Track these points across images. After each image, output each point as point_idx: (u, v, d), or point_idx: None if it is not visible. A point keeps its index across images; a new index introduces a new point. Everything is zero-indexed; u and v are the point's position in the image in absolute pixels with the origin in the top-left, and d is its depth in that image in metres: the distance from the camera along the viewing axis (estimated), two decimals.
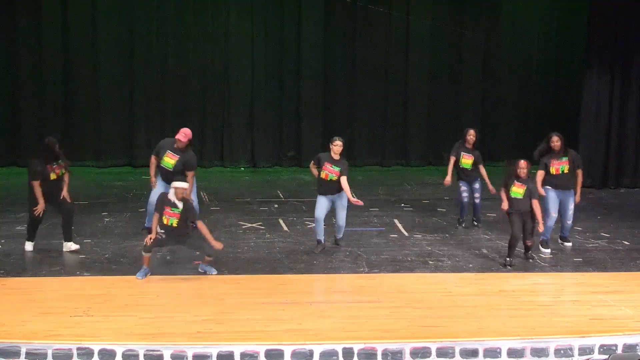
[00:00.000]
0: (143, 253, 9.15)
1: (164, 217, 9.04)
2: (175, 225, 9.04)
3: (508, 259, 9.82)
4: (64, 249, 10.15)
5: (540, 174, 10.41)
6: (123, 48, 15.93)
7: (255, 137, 16.41)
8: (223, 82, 16.27)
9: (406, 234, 11.26)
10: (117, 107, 16.03)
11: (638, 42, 14.34)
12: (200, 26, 16.06)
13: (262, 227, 11.48)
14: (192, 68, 16.17)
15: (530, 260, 9.91)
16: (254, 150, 16.44)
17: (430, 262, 9.90)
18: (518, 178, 9.79)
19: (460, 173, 11.42)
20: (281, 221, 11.79)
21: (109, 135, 16.02)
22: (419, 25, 16.20)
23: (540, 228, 9.82)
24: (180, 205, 9.04)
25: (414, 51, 16.47)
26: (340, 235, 10.54)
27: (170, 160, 10.30)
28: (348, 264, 9.82)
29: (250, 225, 11.61)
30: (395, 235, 11.16)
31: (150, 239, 9.01)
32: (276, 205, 12.93)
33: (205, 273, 9.38)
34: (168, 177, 10.03)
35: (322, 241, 10.27)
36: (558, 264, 9.91)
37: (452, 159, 11.38)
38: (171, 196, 9.07)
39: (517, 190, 9.77)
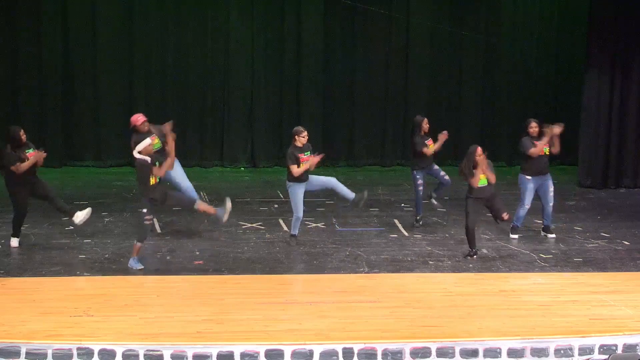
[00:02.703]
0: (137, 243, 9.34)
1: (152, 178, 9.28)
2: (158, 180, 9.38)
3: (471, 249, 9.98)
4: (71, 219, 10.25)
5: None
6: (123, 48, 15.93)
7: (255, 137, 16.40)
8: (223, 82, 16.27)
9: (406, 234, 11.26)
10: (117, 107, 16.02)
11: (638, 42, 14.33)
12: (200, 26, 16.07)
13: (262, 227, 11.48)
14: (192, 68, 16.17)
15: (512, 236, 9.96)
16: (254, 150, 16.44)
17: (430, 262, 9.90)
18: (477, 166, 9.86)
19: (419, 161, 11.38)
20: (281, 221, 11.78)
21: (109, 135, 16.02)
22: (419, 25, 16.19)
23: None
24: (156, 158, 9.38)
25: (414, 51, 16.47)
26: (352, 195, 10.51)
27: (156, 141, 10.48)
28: (348, 264, 9.82)
29: (250, 225, 11.61)
30: (395, 235, 11.16)
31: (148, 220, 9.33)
32: (276, 205, 12.92)
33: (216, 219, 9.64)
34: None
35: (297, 234, 10.55)
36: (558, 264, 9.91)
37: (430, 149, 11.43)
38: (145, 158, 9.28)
39: (483, 178, 9.82)
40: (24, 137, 9.98)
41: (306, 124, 16.05)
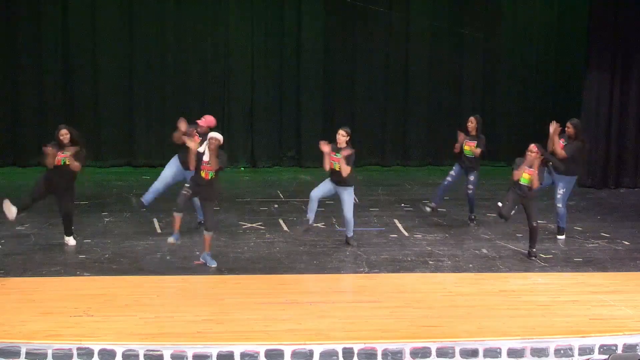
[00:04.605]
0: (175, 214, 9.64)
1: (202, 172, 9.47)
2: (210, 177, 9.56)
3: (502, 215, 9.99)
4: (64, 241, 10.34)
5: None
6: (123, 48, 15.92)
7: (255, 137, 16.40)
8: (223, 82, 16.26)
9: (406, 234, 11.26)
10: (117, 107, 16.02)
11: (638, 42, 14.34)
12: (200, 26, 16.05)
13: (262, 227, 11.48)
14: (192, 68, 16.15)
15: (533, 258, 9.94)
16: (254, 150, 16.44)
17: (430, 262, 9.90)
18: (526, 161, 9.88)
19: (460, 159, 11.52)
20: (281, 221, 11.79)
21: (109, 135, 16.00)
22: (419, 25, 16.20)
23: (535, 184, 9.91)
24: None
25: (414, 51, 16.46)
26: (351, 233, 10.55)
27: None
28: (348, 264, 9.82)
29: (250, 225, 11.61)
30: (395, 235, 11.16)
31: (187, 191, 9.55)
32: (276, 205, 12.92)
33: (205, 264, 9.44)
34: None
35: (310, 221, 10.44)
36: (558, 264, 9.92)
37: (458, 145, 11.53)
38: (205, 149, 9.49)
39: (525, 177, 9.84)
40: (62, 137, 9.94)
41: (306, 124, 16.24)
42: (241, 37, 16.12)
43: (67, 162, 9.99)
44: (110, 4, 15.81)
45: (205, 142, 9.61)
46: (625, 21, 14.26)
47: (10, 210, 9.99)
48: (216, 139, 9.50)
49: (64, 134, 9.97)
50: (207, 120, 10.85)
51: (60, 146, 9.96)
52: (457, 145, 11.52)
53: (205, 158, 9.49)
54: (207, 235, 9.52)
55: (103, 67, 15.85)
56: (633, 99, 14.57)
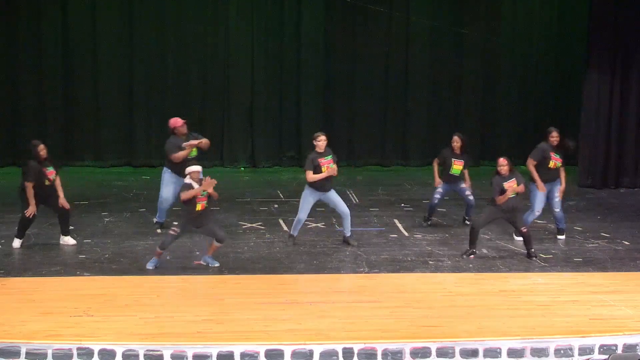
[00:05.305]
0: (159, 249, 9.35)
1: (198, 205, 9.20)
2: (205, 207, 9.30)
3: (469, 249, 10.02)
4: (61, 242, 10.33)
5: (531, 164, 10.68)
6: (123, 48, 15.93)
7: (255, 137, 16.41)
8: (223, 83, 16.27)
9: (406, 234, 11.26)
10: (117, 107, 16.04)
11: (638, 42, 14.34)
12: (200, 26, 16.07)
13: (262, 227, 11.48)
14: (192, 68, 16.17)
15: (533, 258, 9.94)
16: (254, 150, 16.44)
17: (430, 262, 9.90)
18: (501, 177, 9.86)
19: (443, 175, 11.40)
20: (281, 221, 11.78)
21: (109, 135, 16.02)
22: (419, 25, 16.19)
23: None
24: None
25: (414, 51, 16.47)
26: (349, 232, 10.54)
27: (194, 150, 10.83)
28: (348, 264, 9.82)
29: (250, 225, 11.61)
30: (395, 235, 11.16)
31: (175, 232, 9.28)
32: (276, 205, 12.92)
33: (207, 265, 9.43)
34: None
35: (294, 235, 10.57)
36: (558, 264, 9.91)
37: (435, 162, 11.45)
38: (192, 183, 9.24)
39: (514, 191, 9.86)
40: (42, 152, 9.98)
41: (306, 124, 16.24)
42: (241, 37, 16.13)
43: (55, 178, 10.11)
44: (110, 3, 15.83)
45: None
46: (625, 21, 14.27)
47: (16, 243, 10.18)
48: (196, 172, 9.30)
49: (42, 149, 9.99)
50: (177, 120, 11.00)
51: (40, 161, 9.96)
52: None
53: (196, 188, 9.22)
54: (217, 244, 9.49)
55: (103, 67, 15.87)
56: (633, 99, 14.57)
